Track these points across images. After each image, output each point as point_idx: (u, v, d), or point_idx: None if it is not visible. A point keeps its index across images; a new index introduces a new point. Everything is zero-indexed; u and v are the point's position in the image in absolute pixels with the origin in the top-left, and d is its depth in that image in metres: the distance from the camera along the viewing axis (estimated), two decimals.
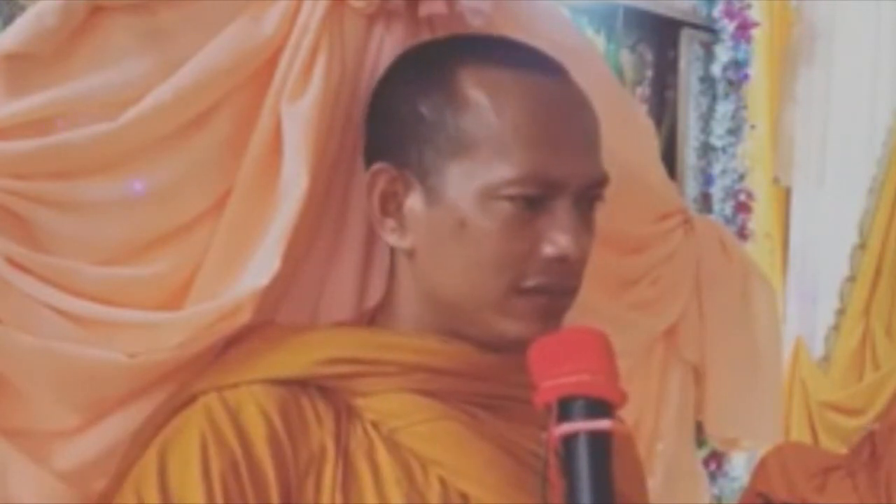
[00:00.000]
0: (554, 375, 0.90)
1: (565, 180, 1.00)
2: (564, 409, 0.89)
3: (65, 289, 1.00)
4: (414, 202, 1.03)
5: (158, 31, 1.03)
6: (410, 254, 1.04)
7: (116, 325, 1.01)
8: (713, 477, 3.56)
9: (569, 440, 0.88)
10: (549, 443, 0.88)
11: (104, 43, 1.01)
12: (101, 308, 1.01)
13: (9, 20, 2.00)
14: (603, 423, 0.88)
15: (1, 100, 0.98)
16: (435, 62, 1.04)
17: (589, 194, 1.03)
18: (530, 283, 1.00)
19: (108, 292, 1.02)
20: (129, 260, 1.03)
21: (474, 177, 0.99)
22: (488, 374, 1.05)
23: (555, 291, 1.02)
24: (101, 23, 1.01)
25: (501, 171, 0.98)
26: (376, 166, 1.04)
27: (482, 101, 1.00)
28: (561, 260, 1.00)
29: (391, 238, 1.05)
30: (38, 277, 0.99)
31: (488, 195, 0.99)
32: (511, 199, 0.99)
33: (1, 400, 0.99)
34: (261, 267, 1.03)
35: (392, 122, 1.05)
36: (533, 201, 0.99)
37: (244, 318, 1.03)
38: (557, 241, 0.99)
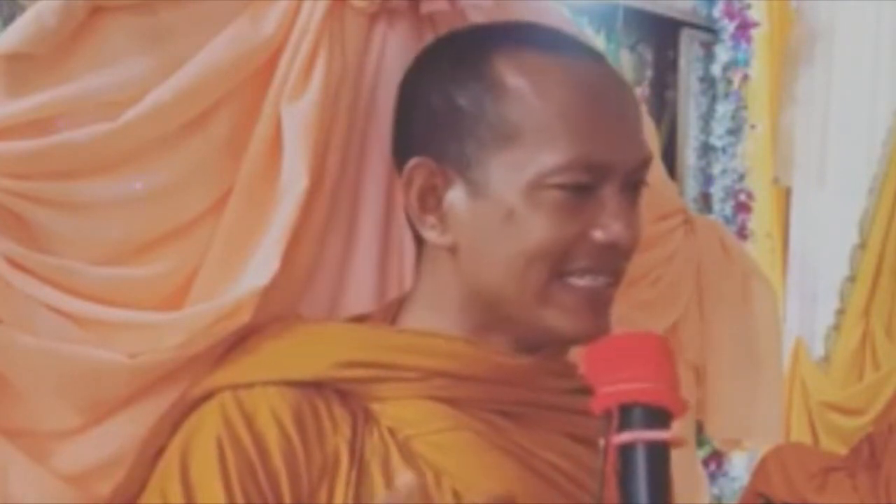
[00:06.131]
0: (613, 381, 0.86)
1: (613, 164, 0.97)
2: (624, 417, 0.84)
3: (65, 289, 0.99)
4: (455, 196, 1.00)
5: (158, 31, 1.02)
6: (452, 249, 1.01)
7: (116, 325, 1.01)
8: (713, 477, 3.56)
9: (626, 449, 0.84)
10: (607, 452, 0.84)
11: (104, 43, 1.01)
12: (101, 308, 1.01)
13: (9, 20, 2.00)
14: (663, 434, 0.84)
15: (1, 100, 0.98)
16: (467, 51, 1.02)
17: (634, 178, 1.01)
18: (576, 265, 0.98)
19: (107, 292, 1.02)
20: (129, 260, 1.03)
21: (521, 167, 0.97)
22: (514, 379, 1.03)
23: (602, 276, 0.99)
24: (101, 23, 1.01)
25: (550, 158, 0.96)
26: (413, 162, 1.01)
27: (524, 88, 0.97)
28: (611, 246, 0.98)
29: (431, 234, 1.01)
30: (38, 277, 0.98)
31: (537, 184, 0.96)
32: (560, 186, 0.96)
33: (1, 400, 0.99)
34: (261, 267, 1.03)
35: (426, 116, 1.02)
36: (582, 188, 0.97)
37: (244, 318, 1.02)
38: (610, 227, 0.97)
